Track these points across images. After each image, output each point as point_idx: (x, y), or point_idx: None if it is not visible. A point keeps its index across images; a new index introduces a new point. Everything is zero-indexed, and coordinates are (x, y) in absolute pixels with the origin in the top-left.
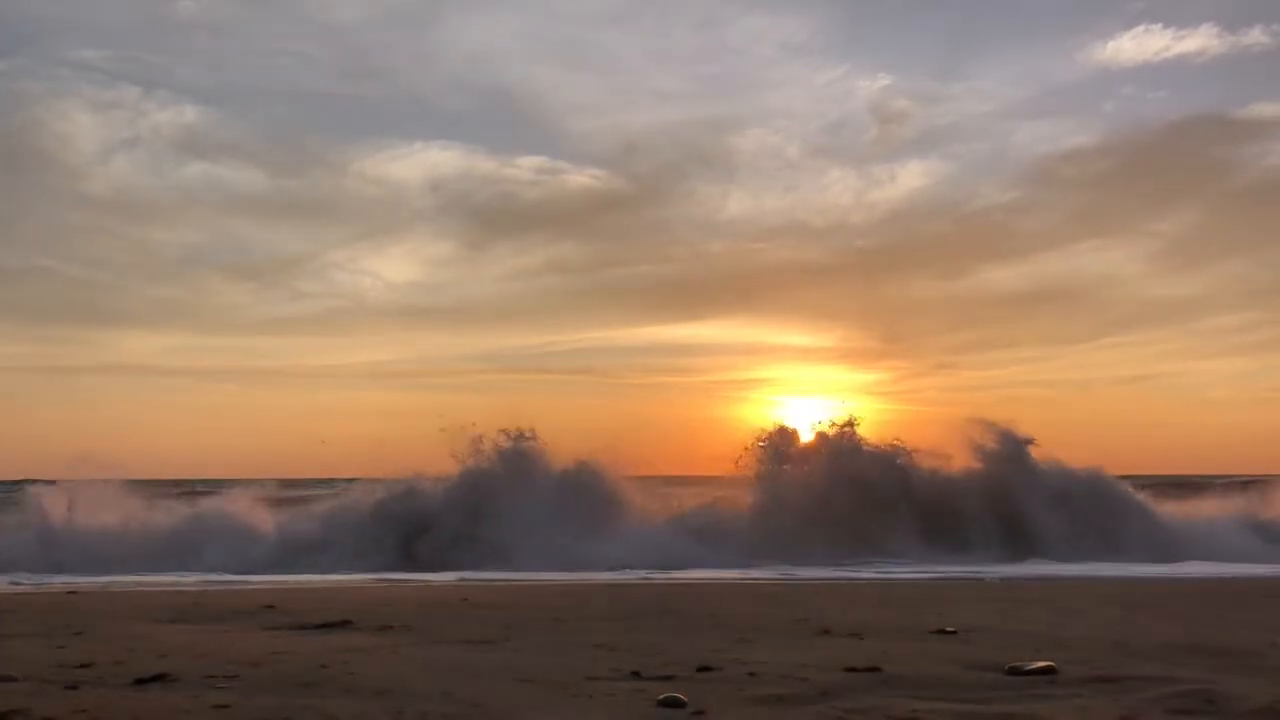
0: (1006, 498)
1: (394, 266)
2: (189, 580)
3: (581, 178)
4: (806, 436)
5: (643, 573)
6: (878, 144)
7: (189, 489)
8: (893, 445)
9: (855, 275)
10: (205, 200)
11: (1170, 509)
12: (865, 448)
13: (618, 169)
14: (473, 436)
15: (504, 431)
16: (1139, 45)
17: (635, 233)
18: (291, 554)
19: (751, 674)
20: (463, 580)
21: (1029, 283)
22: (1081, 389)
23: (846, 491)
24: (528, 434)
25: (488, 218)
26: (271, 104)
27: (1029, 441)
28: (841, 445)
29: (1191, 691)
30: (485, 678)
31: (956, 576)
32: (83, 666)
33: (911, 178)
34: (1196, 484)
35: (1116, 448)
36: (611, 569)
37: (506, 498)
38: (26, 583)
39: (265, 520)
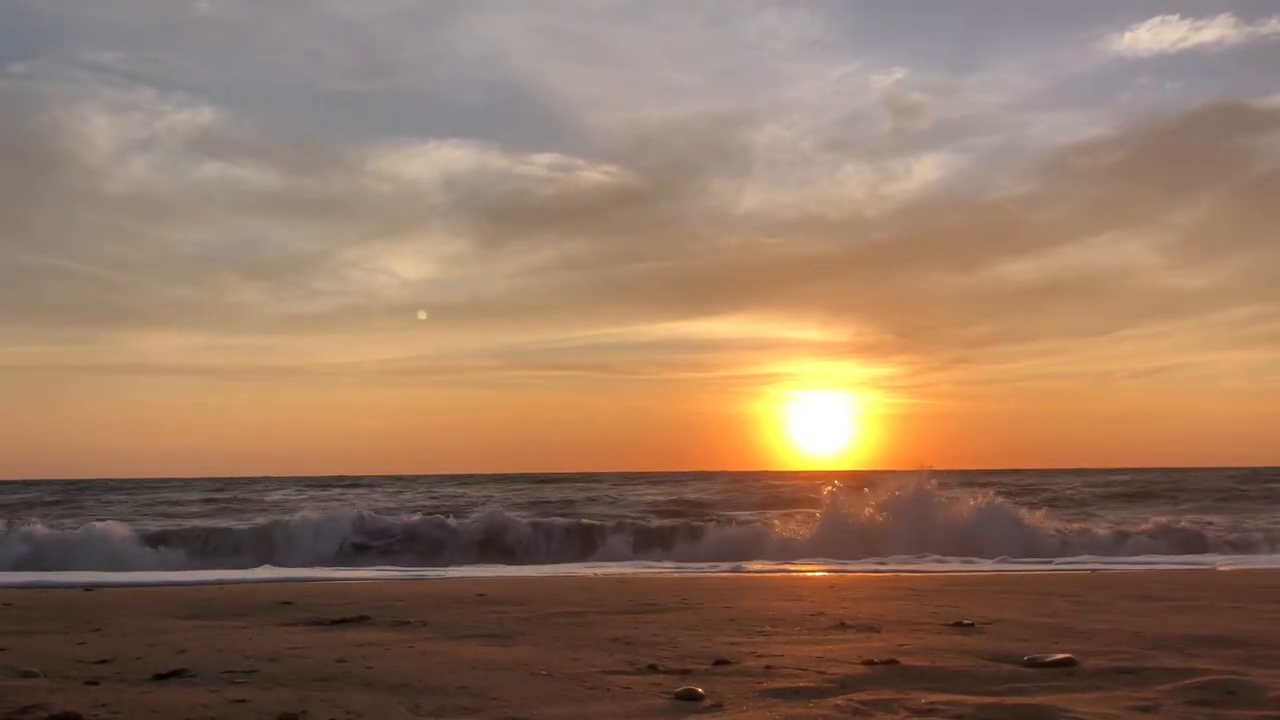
0: None
1: (408, 264)
2: (206, 577)
3: (595, 174)
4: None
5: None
6: (892, 137)
7: (207, 488)
8: None
9: (870, 269)
10: (221, 200)
11: None
12: None
13: (631, 164)
14: None
15: None
16: (1155, 36)
17: (649, 228)
18: None
19: (768, 667)
20: (479, 576)
21: (1045, 275)
22: (1101, 381)
23: None
24: None
25: (501, 215)
26: (286, 103)
27: None
28: None
29: (1212, 682)
30: (502, 672)
31: (973, 570)
32: (102, 662)
33: (926, 171)
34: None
35: (1136, 440)
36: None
37: None
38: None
39: None
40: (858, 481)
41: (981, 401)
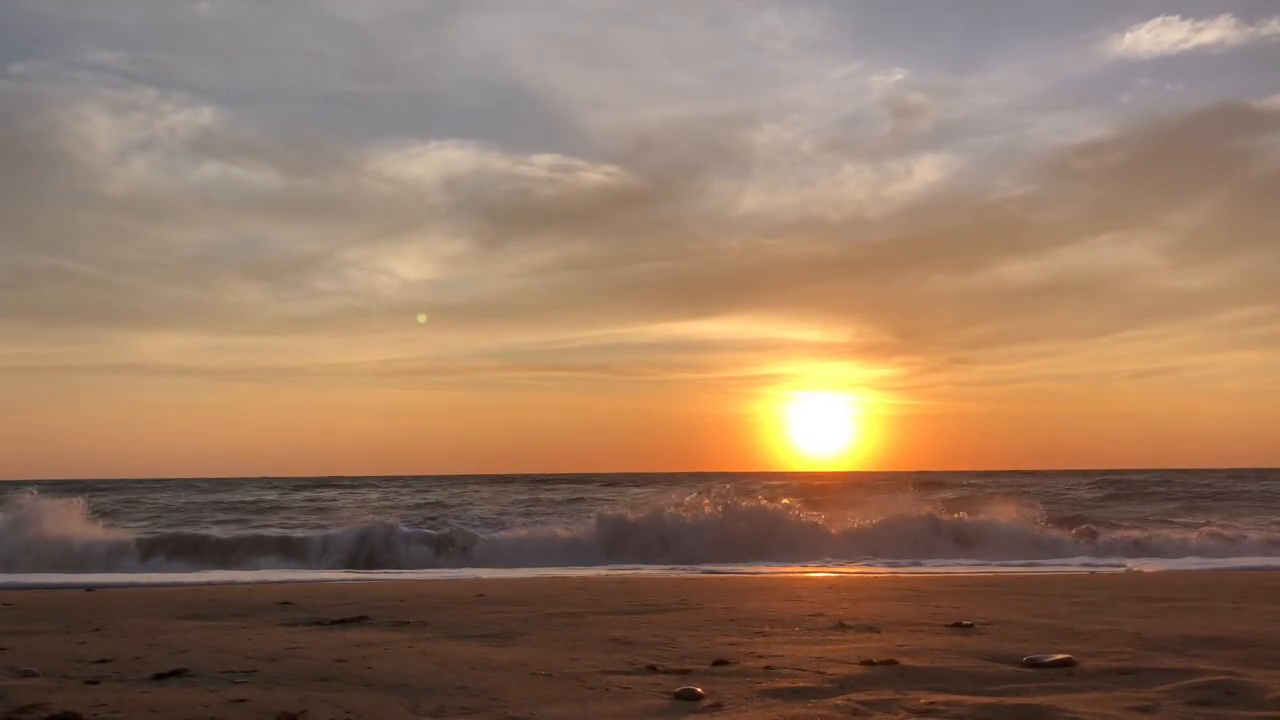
0: None
1: (409, 265)
2: (206, 578)
3: (595, 175)
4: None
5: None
6: (893, 138)
7: (208, 489)
8: None
9: (870, 270)
10: (221, 200)
11: None
12: None
13: (632, 165)
14: None
15: None
16: (1156, 37)
17: (649, 229)
18: None
19: (768, 668)
20: (479, 576)
21: (1045, 276)
22: (1101, 382)
23: None
24: None
25: (502, 215)
26: (286, 104)
27: None
28: None
29: (1212, 683)
30: (501, 672)
31: (973, 571)
32: (102, 662)
33: (927, 172)
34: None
35: (1136, 440)
36: None
37: None
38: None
39: None
40: (856, 482)
41: (981, 402)
